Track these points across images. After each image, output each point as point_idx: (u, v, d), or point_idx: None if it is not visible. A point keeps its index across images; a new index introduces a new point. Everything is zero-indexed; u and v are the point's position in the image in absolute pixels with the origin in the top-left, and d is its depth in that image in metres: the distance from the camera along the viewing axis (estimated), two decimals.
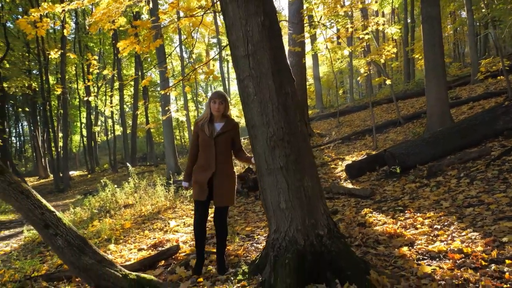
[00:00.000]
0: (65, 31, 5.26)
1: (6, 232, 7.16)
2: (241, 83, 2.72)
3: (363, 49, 10.50)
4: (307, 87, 30.81)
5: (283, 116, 2.60)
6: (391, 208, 4.86)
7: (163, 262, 3.86)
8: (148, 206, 7.19)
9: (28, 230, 6.00)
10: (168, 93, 6.10)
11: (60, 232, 3.05)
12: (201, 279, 3.17)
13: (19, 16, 22.84)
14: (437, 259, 3.05)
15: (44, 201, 3.13)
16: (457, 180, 5.26)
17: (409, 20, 20.24)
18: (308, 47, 17.04)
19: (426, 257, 3.15)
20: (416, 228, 3.92)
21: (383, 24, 8.86)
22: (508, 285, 2.45)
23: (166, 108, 9.02)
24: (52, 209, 3.14)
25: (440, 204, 4.52)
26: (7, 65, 21.33)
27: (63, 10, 5.10)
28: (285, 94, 2.63)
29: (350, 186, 6.48)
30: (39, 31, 5.31)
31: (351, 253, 2.74)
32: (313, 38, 17.63)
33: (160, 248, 4.41)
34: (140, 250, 4.60)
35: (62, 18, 6.11)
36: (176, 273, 3.35)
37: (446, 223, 3.88)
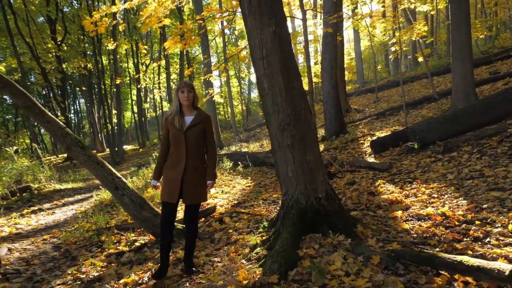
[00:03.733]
0: (120, 27, 6.16)
1: (79, 197, 8.65)
2: (258, 80, 3.47)
3: (398, 26, 10.62)
4: (349, 61, 30.47)
5: (290, 106, 3.34)
6: (402, 180, 5.46)
7: (203, 219, 4.85)
8: None
9: (97, 195, 7.31)
10: (208, 79, 6.97)
11: (126, 193, 4.07)
12: (230, 230, 4.08)
13: (75, 1, 24.74)
14: (422, 220, 3.71)
15: (113, 170, 4.16)
16: (469, 155, 5.69)
17: None
18: (347, 23, 17.03)
19: (414, 219, 3.81)
20: (416, 196, 4.54)
21: (416, 1, 8.99)
22: (468, 239, 3.09)
23: (207, 91, 9.95)
24: (120, 175, 4.17)
25: (445, 177, 5.05)
26: (65, 48, 23.36)
27: (118, 11, 6.05)
28: (292, 88, 3.36)
29: (372, 160, 7.07)
30: (99, 29, 6.32)
31: (344, 211, 3.50)
32: (353, 14, 17.54)
33: (201, 209, 5.39)
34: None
35: (117, 16, 7.04)
36: (212, 226, 4.31)
37: (443, 193, 4.45)
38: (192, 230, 3.20)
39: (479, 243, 3.01)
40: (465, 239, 3.09)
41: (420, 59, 10.63)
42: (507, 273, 1.75)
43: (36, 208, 7.16)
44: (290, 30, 30.07)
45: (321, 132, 12.38)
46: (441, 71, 15.62)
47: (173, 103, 3.14)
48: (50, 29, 21.87)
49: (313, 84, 21.60)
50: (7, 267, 3.85)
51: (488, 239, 3.04)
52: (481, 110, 6.62)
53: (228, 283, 2.52)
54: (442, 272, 2.47)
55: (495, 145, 5.67)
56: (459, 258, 2.13)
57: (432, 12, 13.26)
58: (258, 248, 3.35)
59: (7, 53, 24.93)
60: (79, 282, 3.31)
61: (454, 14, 7.53)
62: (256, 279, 2.51)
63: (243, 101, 35.81)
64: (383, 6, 14.49)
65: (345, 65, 20.66)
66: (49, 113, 4.21)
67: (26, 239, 5.11)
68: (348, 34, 33.36)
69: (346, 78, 21.30)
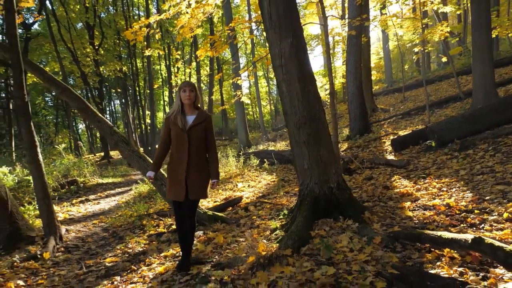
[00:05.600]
0: (156, 36, 6.83)
1: (119, 190, 9.54)
2: (278, 84, 3.99)
3: (422, 26, 10.77)
4: (377, 60, 30.23)
5: (306, 107, 3.83)
6: (417, 175, 5.79)
7: (230, 208, 5.43)
8: (222, 173, 8.88)
9: (136, 188, 8.08)
10: (236, 82, 7.56)
11: (164, 183, 4.68)
12: (254, 217, 4.62)
13: (111, 8, 26.16)
14: (427, 210, 4.09)
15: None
16: (484, 153, 5.93)
17: None
18: (374, 23, 17.15)
19: (420, 209, 4.19)
20: (427, 190, 4.89)
21: (438, 3, 9.19)
22: (464, 225, 3.47)
23: (235, 93, 10.57)
24: None
25: (458, 173, 5.35)
26: (102, 52, 24.76)
27: (156, 22, 6.72)
28: (307, 92, 3.85)
29: (391, 157, 7.40)
30: (138, 38, 7.02)
31: (354, 200, 3.95)
32: (380, 15, 17.63)
33: (228, 200, 5.97)
34: (215, 202, 6.22)
35: (154, 27, 7.77)
36: (238, 213, 4.87)
37: (452, 187, 4.78)
38: (189, 224, 3.23)
39: (474, 228, 3.37)
40: (461, 225, 3.47)
41: (444, 59, 10.75)
42: (469, 241, 2.18)
43: (83, 198, 8.06)
44: (318, 31, 30.26)
45: (346, 131, 12.70)
46: (469, 70, 15.43)
47: (175, 102, 3.19)
48: (89, 35, 23.22)
49: (341, 84, 21.83)
50: (68, 242, 4.60)
51: (482, 225, 3.39)
52: (499, 109, 6.79)
53: (250, 254, 3.05)
54: (433, 249, 2.89)
55: (510, 143, 5.88)
56: (439, 233, 2.56)
57: (458, 12, 13.21)
58: (278, 231, 3.86)
59: (49, 57, 26.76)
60: (127, 255, 3.97)
61: (475, 15, 7.69)
62: (273, 251, 3.02)
63: (272, 101, 36.18)
64: (411, 7, 14.62)
65: (373, 65, 20.68)
66: (100, 114, 4.90)
67: (78, 223, 5.92)
68: (377, 33, 33.06)
69: (374, 78, 21.32)
